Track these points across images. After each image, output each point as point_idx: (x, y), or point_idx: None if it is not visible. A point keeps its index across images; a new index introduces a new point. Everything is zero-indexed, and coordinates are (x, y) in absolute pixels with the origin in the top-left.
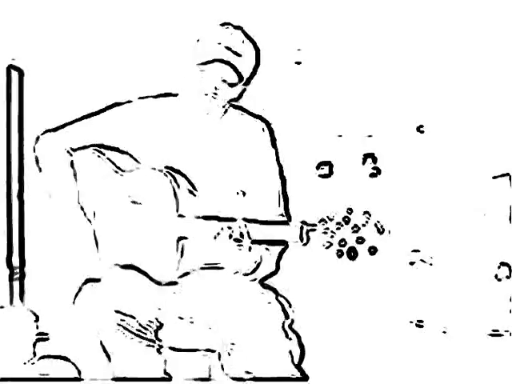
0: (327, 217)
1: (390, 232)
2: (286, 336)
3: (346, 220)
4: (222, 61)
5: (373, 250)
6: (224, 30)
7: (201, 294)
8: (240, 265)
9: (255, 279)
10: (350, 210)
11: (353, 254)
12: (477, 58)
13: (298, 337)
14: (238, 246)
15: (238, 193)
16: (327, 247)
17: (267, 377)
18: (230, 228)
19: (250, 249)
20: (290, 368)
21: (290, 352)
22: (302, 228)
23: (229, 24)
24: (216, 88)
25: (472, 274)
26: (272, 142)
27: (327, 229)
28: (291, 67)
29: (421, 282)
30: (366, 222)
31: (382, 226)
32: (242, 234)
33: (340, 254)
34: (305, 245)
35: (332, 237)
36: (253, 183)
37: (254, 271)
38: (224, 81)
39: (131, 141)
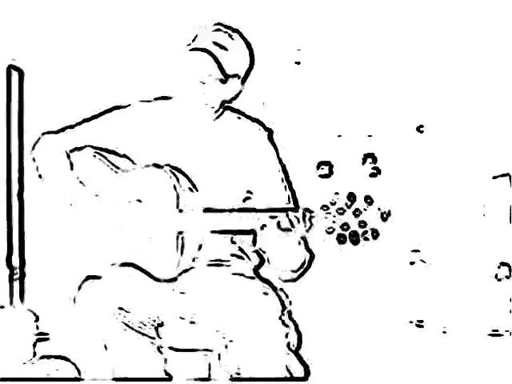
0: (330, 202)
1: (391, 215)
2: (284, 325)
3: (348, 205)
4: (205, 50)
5: (375, 234)
6: (216, 29)
7: (201, 291)
8: (289, 260)
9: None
10: (352, 197)
11: (355, 238)
12: (477, 58)
13: (296, 325)
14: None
15: (247, 197)
16: (329, 232)
17: (268, 377)
18: (273, 218)
19: (303, 239)
20: (287, 359)
21: (288, 343)
22: (304, 215)
23: (221, 24)
24: (202, 82)
25: (472, 274)
26: (271, 142)
27: (329, 214)
28: (291, 67)
29: (421, 282)
30: (368, 206)
31: (385, 212)
32: (291, 223)
33: (343, 240)
34: (307, 231)
35: (334, 222)
36: (254, 181)
37: (299, 269)
38: (210, 75)
39: (129, 144)
